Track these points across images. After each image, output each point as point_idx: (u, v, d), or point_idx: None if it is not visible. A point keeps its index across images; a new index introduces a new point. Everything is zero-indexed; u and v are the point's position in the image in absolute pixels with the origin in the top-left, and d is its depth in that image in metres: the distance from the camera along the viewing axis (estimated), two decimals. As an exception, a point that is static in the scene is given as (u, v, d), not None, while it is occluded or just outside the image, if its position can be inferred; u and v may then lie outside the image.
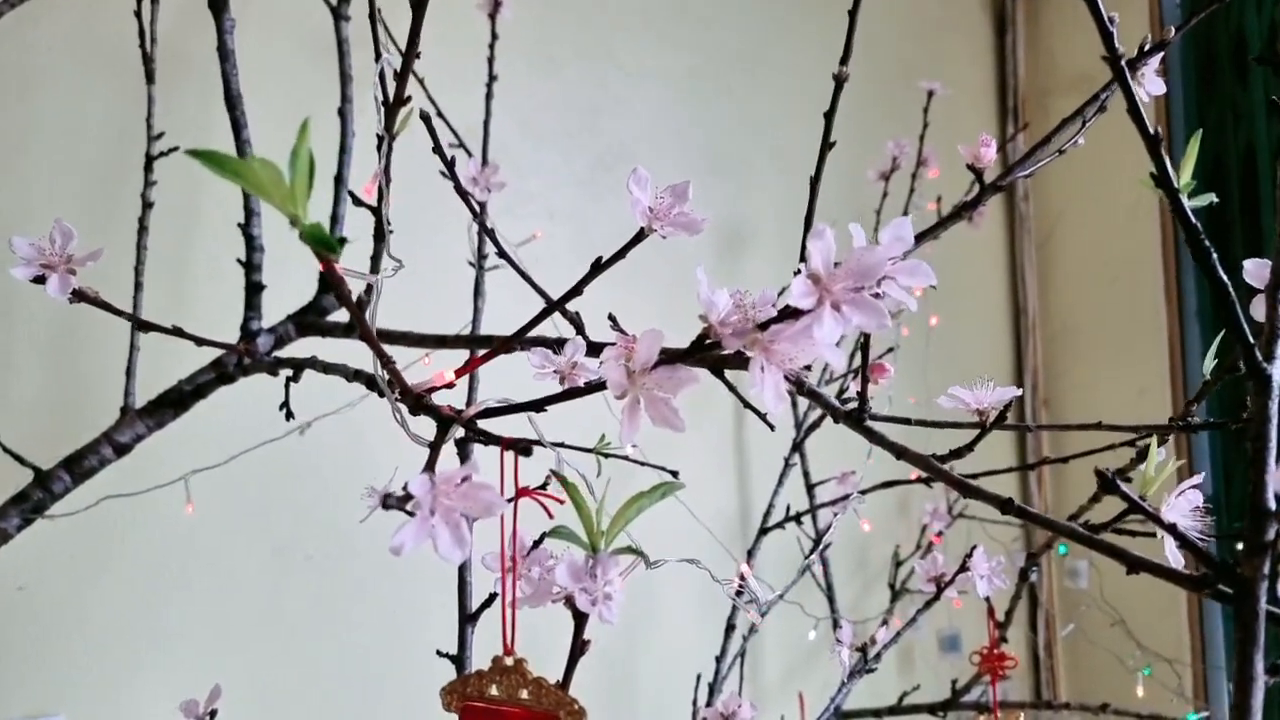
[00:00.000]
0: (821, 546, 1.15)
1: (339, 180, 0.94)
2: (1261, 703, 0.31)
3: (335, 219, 0.94)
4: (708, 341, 0.40)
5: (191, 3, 0.98)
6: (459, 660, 0.66)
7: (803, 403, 1.27)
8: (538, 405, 0.42)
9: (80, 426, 0.82)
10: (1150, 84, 0.71)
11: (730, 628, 1.13)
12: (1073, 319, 1.70)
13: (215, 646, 0.99)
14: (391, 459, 0.83)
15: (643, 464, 0.78)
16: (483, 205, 0.88)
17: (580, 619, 0.39)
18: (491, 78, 1.01)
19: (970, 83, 1.70)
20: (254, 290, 0.87)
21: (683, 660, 1.16)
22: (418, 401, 0.43)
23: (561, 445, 0.77)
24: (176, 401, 0.84)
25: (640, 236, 0.44)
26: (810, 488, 1.31)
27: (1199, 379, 1.79)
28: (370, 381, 0.48)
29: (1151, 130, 0.37)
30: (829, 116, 0.64)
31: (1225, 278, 0.38)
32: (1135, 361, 1.61)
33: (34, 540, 0.79)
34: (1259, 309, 0.44)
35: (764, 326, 0.38)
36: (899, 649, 1.57)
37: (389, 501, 0.31)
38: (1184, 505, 0.43)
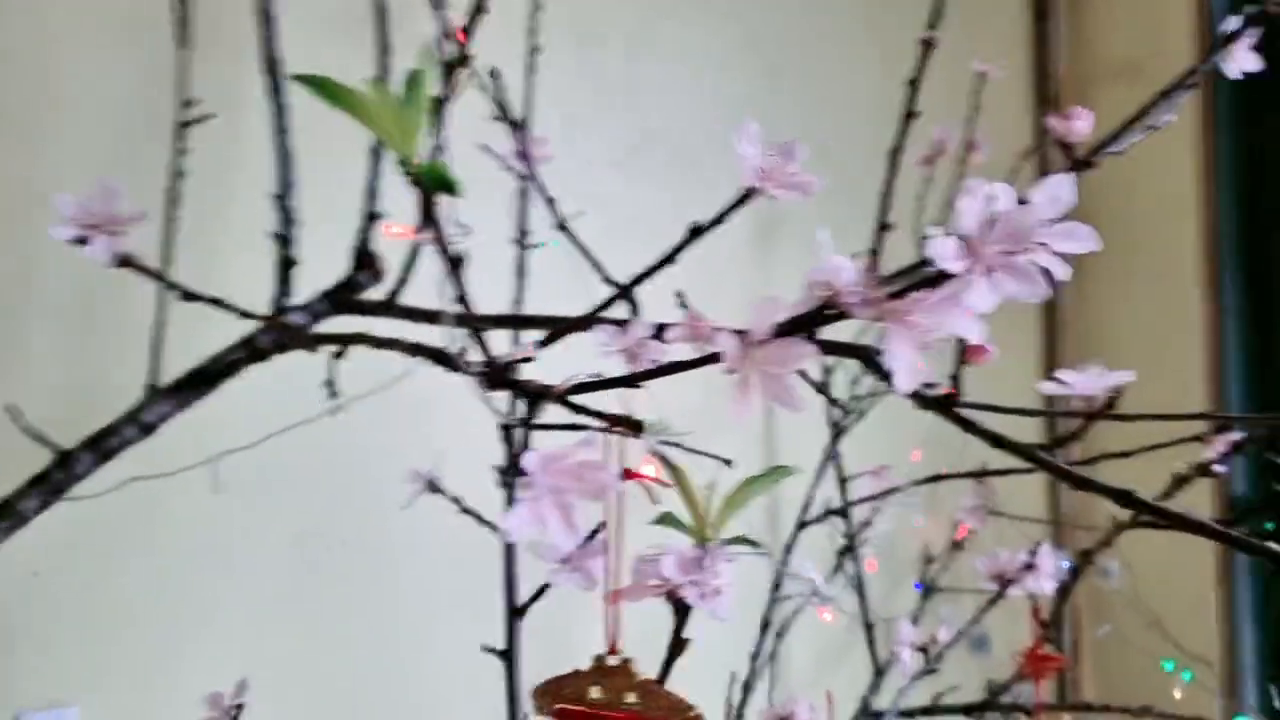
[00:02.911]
0: (858, 541, 1.12)
1: (377, 152, 0.91)
2: None
3: (373, 192, 0.90)
4: (830, 311, 0.36)
5: (220, -34, 0.94)
6: (508, 656, 0.63)
7: (838, 391, 1.24)
8: (632, 381, 0.39)
9: (104, 406, 0.79)
10: (1244, 60, 0.67)
11: (765, 624, 1.10)
12: (1107, 314, 1.67)
13: (242, 637, 0.95)
14: (427, 441, 0.80)
15: (696, 452, 0.74)
16: (537, 181, 0.84)
17: (682, 615, 0.36)
18: (533, 49, 0.97)
19: (1007, 68, 1.66)
20: (287, 265, 0.84)
21: (713, 658, 1.13)
22: (501, 377, 0.39)
23: (611, 430, 0.73)
24: (205, 380, 0.80)
25: (748, 196, 0.40)
26: (843, 482, 1.28)
27: (1236, 377, 1.75)
28: (438, 357, 0.44)
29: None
30: (914, 84, 0.60)
31: None
32: (1171, 359, 1.57)
33: (52, 524, 0.75)
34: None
35: (898, 294, 0.35)
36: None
37: (506, 479, 0.28)
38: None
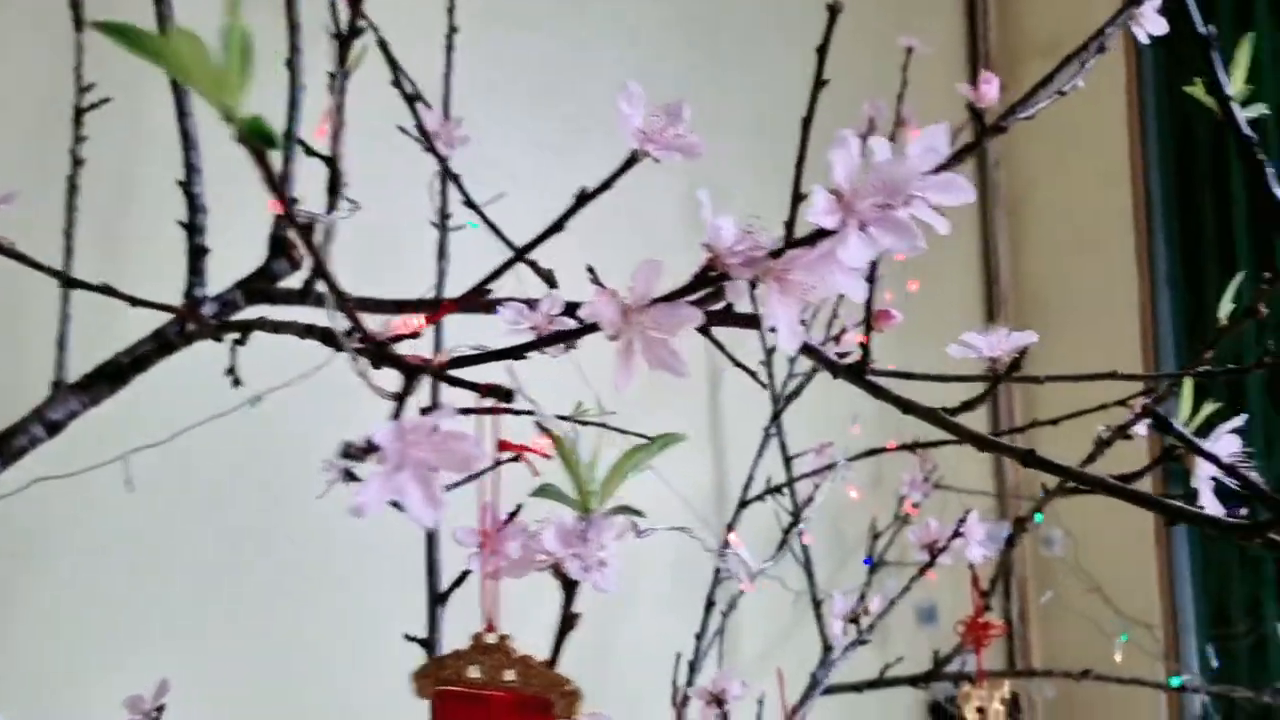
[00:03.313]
0: (801, 517, 1.12)
1: (289, 137, 0.88)
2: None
3: (285, 178, 0.87)
4: (713, 274, 0.35)
5: (121, -55, 0.90)
6: (429, 644, 0.62)
7: (780, 369, 1.23)
8: (517, 352, 0.38)
9: (8, 404, 0.75)
10: (1151, 24, 0.67)
11: (710, 604, 1.10)
12: (1045, 286, 1.69)
13: (164, 639, 0.92)
14: (348, 430, 0.78)
15: (625, 432, 0.73)
16: (445, 161, 0.82)
17: (570, 589, 0.35)
18: (452, 29, 0.95)
19: (938, 47, 1.67)
20: (197, 254, 0.81)
21: (659, 638, 1.12)
22: (381, 351, 0.38)
23: (528, 413, 0.72)
24: (114, 375, 0.77)
25: (632, 161, 0.39)
26: (788, 460, 1.28)
27: (1170, 345, 1.77)
28: (326, 336, 0.42)
29: (1202, 29, 0.33)
30: (822, 51, 0.59)
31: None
32: (1107, 328, 1.60)
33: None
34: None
35: (778, 253, 0.34)
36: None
37: (351, 451, 0.26)
38: (1223, 450, 0.40)
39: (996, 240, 1.71)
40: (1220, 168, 1.55)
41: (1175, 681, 1.10)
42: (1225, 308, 0.52)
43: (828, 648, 1.26)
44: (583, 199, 0.39)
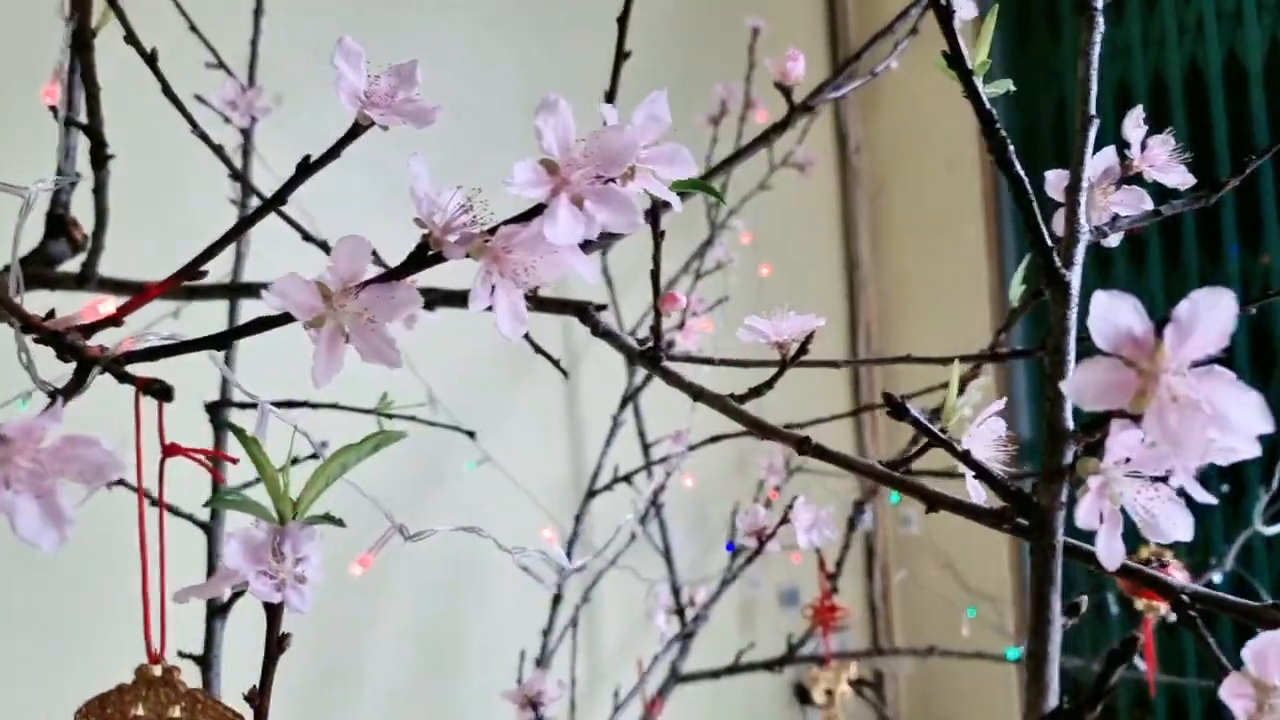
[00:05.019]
0: (648, 508, 1.11)
1: (69, 107, 0.79)
2: (1059, 648, 0.26)
3: (68, 151, 0.79)
4: (429, 253, 0.32)
5: None
6: (205, 661, 0.56)
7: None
8: (220, 341, 0.33)
9: None
10: (962, 7, 0.68)
11: (558, 598, 1.07)
12: (903, 271, 1.73)
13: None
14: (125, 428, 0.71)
15: (433, 425, 0.69)
16: (246, 133, 0.76)
17: (273, 610, 0.31)
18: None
19: (800, 30, 1.68)
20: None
21: (514, 636, 1.09)
22: (57, 340, 0.33)
23: (335, 406, 0.67)
24: None
25: (356, 130, 0.35)
26: (646, 447, 1.26)
27: (1019, 327, 1.82)
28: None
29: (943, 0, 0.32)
30: (622, 22, 0.57)
31: (1022, 172, 0.33)
32: (960, 312, 1.65)
33: None
34: (1061, 224, 0.41)
35: (493, 230, 0.31)
36: (739, 607, 1.56)
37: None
38: (985, 435, 0.39)
39: (858, 225, 1.74)
40: (1063, 156, 1.62)
41: (1012, 654, 1.14)
42: (1015, 289, 0.52)
43: (687, 635, 1.25)
44: (304, 169, 0.35)
